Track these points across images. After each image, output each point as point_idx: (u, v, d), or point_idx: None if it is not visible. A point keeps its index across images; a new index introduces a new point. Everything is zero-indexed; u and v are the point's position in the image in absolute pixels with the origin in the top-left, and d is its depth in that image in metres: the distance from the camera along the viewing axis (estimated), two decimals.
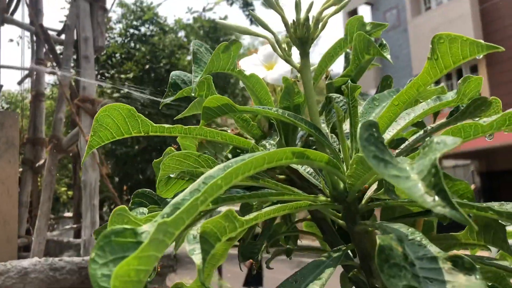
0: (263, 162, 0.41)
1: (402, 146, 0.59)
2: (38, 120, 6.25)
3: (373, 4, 17.16)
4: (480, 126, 0.51)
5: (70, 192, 14.22)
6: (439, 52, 0.47)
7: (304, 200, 0.51)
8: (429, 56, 0.48)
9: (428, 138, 0.37)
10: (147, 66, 13.55)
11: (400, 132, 0.58)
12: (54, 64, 5.75)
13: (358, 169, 0.45)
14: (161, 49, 13.67)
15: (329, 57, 0.71)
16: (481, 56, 0.46)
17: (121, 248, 0.31)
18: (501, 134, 0.58)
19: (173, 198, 0.66)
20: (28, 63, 7.03)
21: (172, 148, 0.67)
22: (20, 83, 7.78)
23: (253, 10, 12.80)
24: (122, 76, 13.58)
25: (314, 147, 0.67)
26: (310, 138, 0.69)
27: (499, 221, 0.49)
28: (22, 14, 12.13)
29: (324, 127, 0.65)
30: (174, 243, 0.69)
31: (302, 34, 0.59)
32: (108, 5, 6.05)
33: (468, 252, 0.66)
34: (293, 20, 0.59)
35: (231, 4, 13.99)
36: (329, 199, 0.54)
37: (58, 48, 6.72)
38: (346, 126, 0.61)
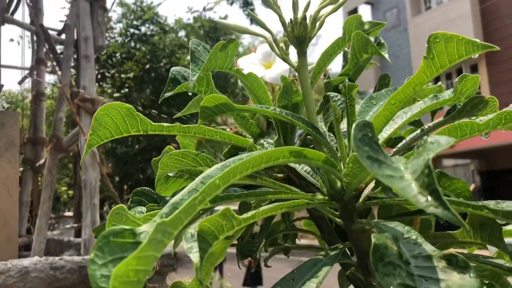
0: (260, 162, 0.41)
1: (399, 145, 0.60)
2: (39, 119, 6.25)
3: (373, 4, 17.15)
4: (476, 125, 0.51)
5: (70, 192, 14.23)
6: (435, 51, 0.47)
7: (301, 199, 0.52)
8: (425, 55, 0.48)
9: (423, 137, 0.37)
10: (147, 66, 13.55)
11: (397, 130, 0.58)
12: (55, 63, 5.75)
13: (355, 168, 0.45)
14: (161, 49, 13.68)
15: (327, 56, 0.71)
16: (477, 55, 0.46)
17: (120, 248, 0.31)
18: (501, 133, 0.58)
19: (172, 196, 0.67)
20: (28, 62, 7.03)
21: (171, 147, 0.67)
22: (20, 82, 7.78)
23: (253, 9, 12.79)
24: (123, 75, 13.58)
25: (312, 145, 0.67)
26: (308, 136, 0.69)
27: (495, 219, 0.49)
28: (22, 13, 12.13)
29: (322, 126, 0.65)
30: (173, 241, 0.69)
31: (299, 33, 0.59)
32: (108, 5, 6.05)
33: (466, 250, 0.67)
34: (291, 19, 0.59)
35: (231, 4, 13.99)
36: (326, 197, 0.54)
37: (59, 48, 6.72)
38: (343, 125, 0.61)
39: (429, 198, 0.28)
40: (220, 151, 0.71)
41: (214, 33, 14.31)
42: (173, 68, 0.68)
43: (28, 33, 7.36)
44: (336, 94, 0.62)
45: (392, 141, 0.66)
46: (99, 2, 5.21)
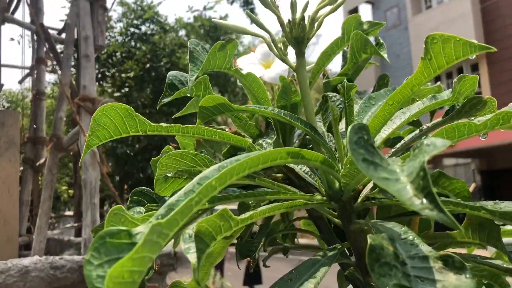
0: (257, 163, 0.41)
1: (397, 145, 0.60)
2: (39, 119, 6.26)
3: (374, 3, 17.15)
4: (474, 125, 0.51)
5: (70, 191, 14.24)
6: (433, 52, 0.47)
7: (300, 199, 0.52)
8: (422, 56, 0.48)
9: (420, 139, 0.37)
10: (147, 65, 13.55)
11: (396, 131, 0.58)
12: (55, 63, 5.75)
13: (352, 169, 0.45)
14: (161, 48, 13.68)
15: (326, 56, 0.71)
16: (474, 56, 0.46)
17: (116, 249, 0.31)
18: (502, 133, 0.58)
19: (171, 196, 0.67)
20: (28, 62, 7.04)
21: (170, 147, 0.67)
22: (20, 82, 7.79)
23: (253, 8, 12.78)
24: (123, 75, 13.58)
25: (311, 146, 0.67)
26: (307, 137, 0.69)
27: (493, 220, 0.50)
28: (22, 13, 12.13)
29: (321, 126, 0.65)
30: (173, 241, 0.69)
31: (297, 34, 0.59)
32: (108, 4, 6.05)
33: (465, 250, 0.67)
34: (289, 20, 0.59)
35: (232, 3, 13.99)
36: (324, 198, 0.54)
37: (59, 47, 6.72)
38: (342, 125, 0.61)
39: (424, 200, 0.28)
40: (220, 151, 0.71)
41: (214, 32, 14.31)
42: (170, 73, 0.68)
43: (28, 33, 7.36)
44: (334, 94, 0.62)
45: (390, 141, 0.67)
46: (99, 1, 5.21)
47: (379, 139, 0.57)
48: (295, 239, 0.77)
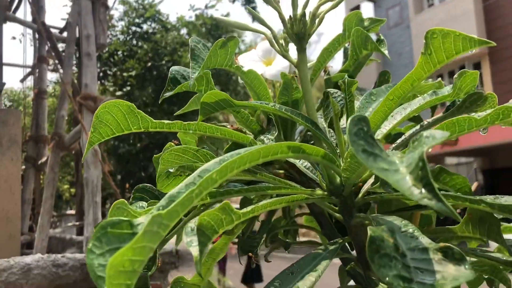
0: (258, 156, 0.42)
1: (398, 141, 0.60)
2: (41, 117, 6.27)
3: (376, 1, 17.13)
4: (474, 120, 0.51)
5: (72, 190, 14.27)
6: (433, 47, 0.47)
7: (301, 194, 0.52)
8: (422, 51, 0.48)
9: (419, 132, 0.38)
10: (149, 64, 13.56)
11: (396, 126, 0.59)
12: (56, 61, 5.76)
13: (352, 163, 0.46)
14: (163, 47, 13.68)
15: (327, 53, 0.71)
16: (479, 52, 0.47)
17: (117, 239, 0.32)
18: (504, 131, 0.58)
19: None
20: (30, 60, 7.06)
21: (172, 144, 0.67)
22: (22, 80, 7.81)
23: (254, 7, 12.78)
24: (124, 74, 13.60)
25: (312, 142, 0.67)
26: (309, 133, 0.69)
27: (493, 214, 0.50)
28: (24, 12, 12.16)
29: (322, 122, 0.66)
30: (175, 239, 0.70)
31: (299, 30, 0.59)
32: (110, 3, 6.06)
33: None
34: (290, 16, 0.60)
35: (233, 2, 13.98)
36: (325, 192, 0.55)
37: (60, 46, 6.73)
38: (343, 121, 0.61)
39: (423, 190, 0.28)
40: (221, 148, 0.71)
41: (216, 31, 14.31)
42: (172, 68, 0.68)
43: (30, 31, 7.38)
44: (335, 90, 0.62)
45: (391, 137, 0.67)
46: (101, 0, 5.21)
47: (379, 134, 0.57)
48: (297, 236, 0.78)
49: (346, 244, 0.59)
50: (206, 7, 15.01)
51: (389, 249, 0.32)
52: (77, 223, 6.05)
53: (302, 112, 0.63)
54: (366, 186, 0.54)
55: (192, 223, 0.42)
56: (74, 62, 6.01)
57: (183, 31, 15.10)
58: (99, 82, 12.72)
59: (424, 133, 0.32)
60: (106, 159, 4.98)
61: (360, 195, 0.54)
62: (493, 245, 0.60)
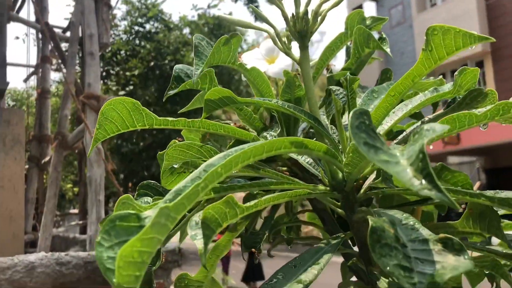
0: (262, 151, 0.42)
1: (399, 137, 0.61)
2: (44, 117, 6.29)
3: (378, 1, 17.11)
4: (475, 116, 0.52)
5: (75, 189, 14.30)
6: (433, 43, 0.48)
7: (303, 189, 0.53)
8: (423, 48, 0.49)
9: (419, 125, 0.38)
10: (152, 63, 13.58)
11: (398, 122, 0.59)
12: (60, 61, 5.78)
13: (354, 157, 0.46)
14: (166, 46, 13.70)
15: (329, 51, 0.72)
16: (474, 47, 0.47)
17: (125, 231, 0.33)
18: (506, 131, 0.59)
19: None
20: (33, 60, 7.08)
21: (176, 141, 0.68)
22: (26, 80, 7.83)
23: (257, 6, 12.77)
24: (127, 73, 13.62)
25: (315, 139, 0.68)
26: (311, 130, 0.70)
27: (494, 208, 0.50)
28: (27, 12, 12.17)
29: (324, 119, 0.66)
30: (178, 238, 0.70)
31: (301, 28, 0.60)
32: (112, 2, 6.07)
33: None
34: (293, 14, 0.60)
35: (236, 1, 13.99)
36: (328, 188, 0.55)
37: (64, 45, 6.75)
38: (345, 118, 0.62)
39: (423, 181, 0.29)
40: (225, 146, 0.72)
41: (218, 30, 14.32)
42: (176, 66, 0.69)
43: (33, 31, 7.40)
44: (338, 87, 0.63)
45: (393, 134, 0.67)
46: None
47: (381, 130, 0.58)
48: (299, 233, 0.78)
49: (348, 240, 0.60)
50: (208, 6, 15.03)
51: (390, 240, 0.33)
52: (80, 222, 6.07)
53: (305, 109, 0.64)
54: (368, 181, 0.54)
55: (197, 217, 0.43)
56: (77, 61, 6.02)
57: (186, 30, 15.12)
58: (102, 81, 12.74)
59: (424, 126, 0.32)
60: (109, 158, 4.99)
61: (362, 190, 0.55)
62: (495, 243, 0.61)
